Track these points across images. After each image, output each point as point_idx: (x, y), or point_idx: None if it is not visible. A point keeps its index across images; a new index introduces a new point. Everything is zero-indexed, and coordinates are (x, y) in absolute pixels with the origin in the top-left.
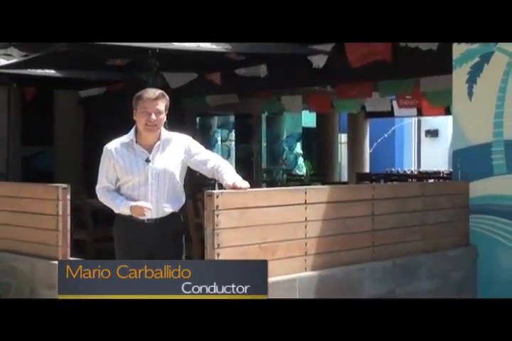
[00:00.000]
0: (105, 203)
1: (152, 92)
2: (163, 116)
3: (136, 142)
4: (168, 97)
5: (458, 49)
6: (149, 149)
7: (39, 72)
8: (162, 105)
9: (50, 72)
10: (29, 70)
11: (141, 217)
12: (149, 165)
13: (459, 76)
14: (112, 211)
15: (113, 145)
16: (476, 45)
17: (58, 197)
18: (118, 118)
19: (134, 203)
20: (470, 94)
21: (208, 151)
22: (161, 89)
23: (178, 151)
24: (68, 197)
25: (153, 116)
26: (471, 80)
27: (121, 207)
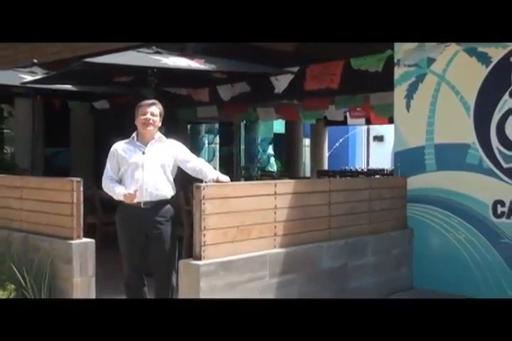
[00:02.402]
0: (107, 190)
1: (148, 101)
2: (157, 119)
3: (137, 139)
4: (161, 106)
5: (398, 71)
6: (145, 144)
7: (58, 86)
8: (156, 110)
9: (67, 86)
10: (50, 85)
11: (137, 200)
12: (145, 156)
13: (400, 92)
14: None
15: (118, 144)
16: (412, 68)
17: (73, 189)
18: (121, 125)
19: (125, 191)
20: (408, 107)
21: (194, 155)
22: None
23: (169, 150)
24: (81, 188)
25: (149, 115)
26: (409, 96)
27: (119, 196)
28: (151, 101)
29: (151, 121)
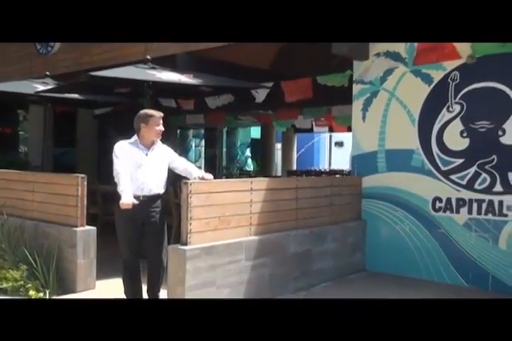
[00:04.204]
0: (121, 187)
1: (159, 113)
2: None
3: (140, 143)
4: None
5: (356, 87)
6: (148, 148)
7: (66, 95)
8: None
9: (74, 95)
10: (60, 94)
11: (137, 193)
12: (147, 158)
13: (357, 106)
14: (116, 193)
15: (123, 143)
16: (367, 85)
17: (78, 184)
18: (121, 129)
19: (122, 201)
20: (364, 118)
21: (182, 158)
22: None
23: (164, 154)
24: (85, 183)
25: (162, 127)
26: (365, 109)
27: (123, 197)
28: (160, 113)
29: (162, 132)
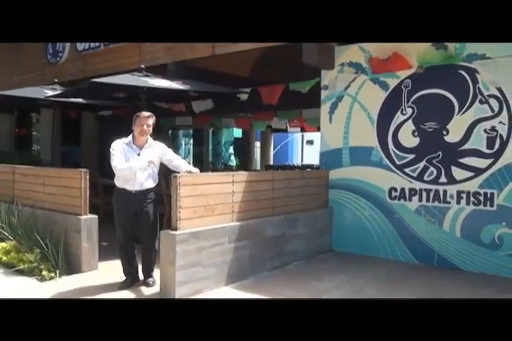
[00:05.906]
0: (128, 169)
1: (145, 113)
2: (151, 128)
3: (133, 143)
4: (154, 117)
5: (324, 93)
6: (140, 148)
7: (72, 99)
8: (151, 121)
9: (79, 100)
10: (66, 99)
11: (130, 189)
12: (139, 158)
13: (325, 109)
14: (114, 185)
15: (120, 142)
16: (334, 91)
17: (81, 177)
18: (120, 129)
19: (137, 164)
20: (330, 119)
21: (174, 154)
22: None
23: (156, 152)
24: (87, 177)
25: (145, 127)
26: (331, 111)
27: (141, 163)
28: (147, 113)
29: (146, 131)
